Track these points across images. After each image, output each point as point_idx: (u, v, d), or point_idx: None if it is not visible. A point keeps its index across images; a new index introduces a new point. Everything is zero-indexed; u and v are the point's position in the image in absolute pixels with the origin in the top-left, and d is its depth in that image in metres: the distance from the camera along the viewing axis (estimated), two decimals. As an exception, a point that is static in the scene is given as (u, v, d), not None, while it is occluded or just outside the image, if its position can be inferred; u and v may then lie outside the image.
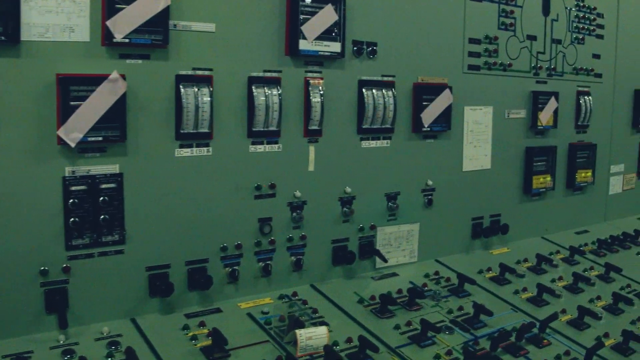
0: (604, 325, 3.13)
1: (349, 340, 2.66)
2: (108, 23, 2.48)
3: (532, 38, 4.04)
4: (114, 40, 2.50)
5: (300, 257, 3.12)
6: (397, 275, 3.41)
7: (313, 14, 2.97)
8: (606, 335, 3.01)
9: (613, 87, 4.73)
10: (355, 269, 3.33)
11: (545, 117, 4.12)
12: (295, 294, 3.06)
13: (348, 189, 3.24)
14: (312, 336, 2.54)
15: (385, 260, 3.36)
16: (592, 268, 3.86)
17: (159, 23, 2.59)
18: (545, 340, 2.89)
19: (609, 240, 4.35)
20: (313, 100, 3.03)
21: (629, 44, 4.82)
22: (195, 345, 2.53)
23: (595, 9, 4.45)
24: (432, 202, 3.59)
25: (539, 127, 4.13)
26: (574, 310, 3.17)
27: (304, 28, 2.95)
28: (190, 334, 2.60)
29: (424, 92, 3.45)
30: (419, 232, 3.56)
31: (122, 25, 2.51)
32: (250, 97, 2.87)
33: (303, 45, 2.96)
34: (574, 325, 3.09)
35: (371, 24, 3.24)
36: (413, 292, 3.09)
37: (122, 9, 2.50)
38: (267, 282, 3.05)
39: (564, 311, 3.20)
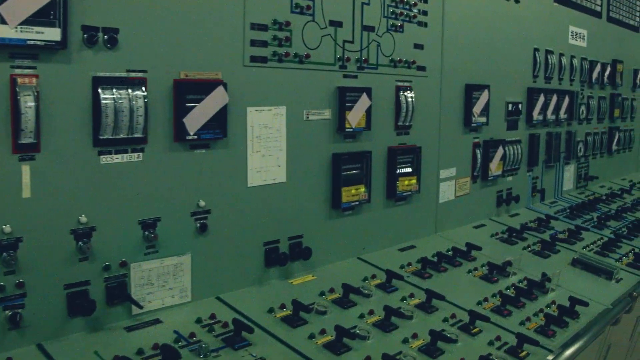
0: (417, 377, 2.73)
1: None
2: None
3: (336, 24, 3.57)
4: None
5: (18, 310, 2.47)
6: (161, 322, 2.82)
7: (16, -10, 2.34)
8: (416, 391, 2.59)
9: (440, 81, 4.39)
10: (103, 318, 2.71)
11: (355, 117, 3.66)
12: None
13: (83, 218, 2.61)
14: None
15: (140, 307, 2.78)
16: (412, 295, 3.44)
17: None
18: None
19: (435, 259, 3.95)
20: (23, 104, 2.39)
21: (457, 33, 4.50)
22: None
23: (416, -9, 4.07)
24: (207, 228, 3.02)
25: (348, 130, 3.66)
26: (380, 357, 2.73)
27: (1, 9, 2.31)
28: None
29: (189, 91, 2.88)
30: (191, 266, 2.99)
31: None
32: None
33: (3, 31, 2.32)
34: (379, 378, 2.65)
35: (109, 3, 2.63)
36: (167, 350, 2.51)
37: None
38: (-30, 347, 2.39)
39: (368, 359, 2.73)
